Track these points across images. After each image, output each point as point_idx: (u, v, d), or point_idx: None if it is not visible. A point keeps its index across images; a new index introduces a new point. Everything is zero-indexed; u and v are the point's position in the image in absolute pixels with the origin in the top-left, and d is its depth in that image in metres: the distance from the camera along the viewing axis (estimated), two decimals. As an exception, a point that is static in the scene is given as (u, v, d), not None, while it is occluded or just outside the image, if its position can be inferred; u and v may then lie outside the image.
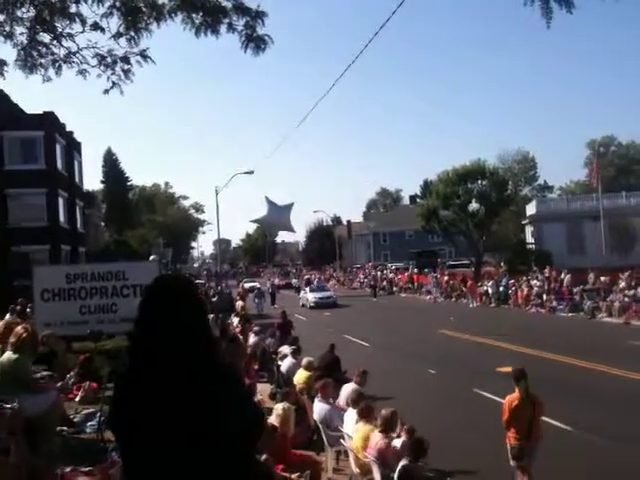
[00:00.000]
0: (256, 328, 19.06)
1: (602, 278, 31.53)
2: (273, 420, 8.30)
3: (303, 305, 42.99)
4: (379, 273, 60.68)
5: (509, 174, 73.24)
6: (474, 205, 49.52)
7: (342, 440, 8.73)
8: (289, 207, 50.56)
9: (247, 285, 60.46)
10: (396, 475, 6.84)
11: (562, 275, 34.46)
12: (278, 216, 48.71)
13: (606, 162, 73.93)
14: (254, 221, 53.42)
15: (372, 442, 7.67)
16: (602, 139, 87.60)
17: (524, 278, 36.60)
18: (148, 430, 2.27)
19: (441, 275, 47.41)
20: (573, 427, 10.84)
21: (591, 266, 35.10)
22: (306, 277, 65.30)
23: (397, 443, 7.68)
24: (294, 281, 70.15)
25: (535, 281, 34.90)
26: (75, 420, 9.48)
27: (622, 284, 29.02)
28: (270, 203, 48.64)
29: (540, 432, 7.97)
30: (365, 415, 8.36)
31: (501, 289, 36.90)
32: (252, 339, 18.06)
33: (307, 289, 46.13)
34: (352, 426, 8.64)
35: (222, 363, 2.49)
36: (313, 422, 9.80)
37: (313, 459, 8.55)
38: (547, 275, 35.46)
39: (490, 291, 37.03)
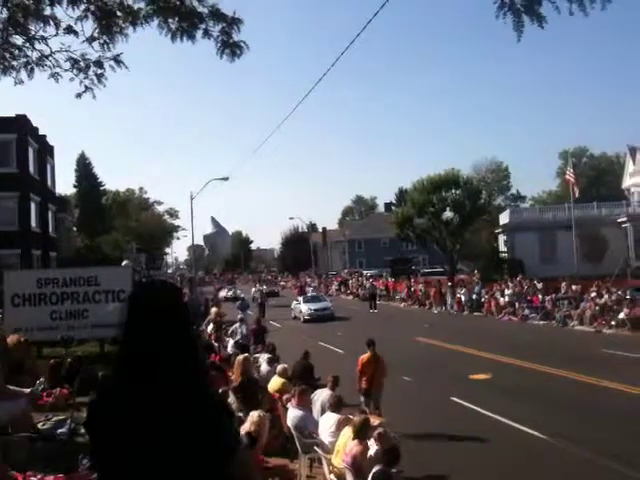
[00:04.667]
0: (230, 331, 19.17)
1: (573, 287, 31.93)
2: (248, 427, 8.25)
3: (295, 317, 38.02)
4: (354, 280, 60.76)
5: (483, 184, 73.99)
6: (448, 214, 49.92)
7: (316, 447, 8.71)
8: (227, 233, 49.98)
9: (227, 293, 57.35)
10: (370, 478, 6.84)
11: (531, 283, 34.91)
12: (221, 240, 48.25)
13: (578, 173, 74.95)
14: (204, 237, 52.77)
15: (347, 449, 7.67)
16: (574, 150, 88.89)
17: (497, 286, 36.95)
18: (130, 435, 2.27)
19: (415, 282, 47.62)
20: (542, 433, 10.93)
21: (563, 275, 35.53)
22: (298, 285, 62.78)
23: (371, 450, 7.69)
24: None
25: (507, 290, 35.24)
26: (45, 427, 9.33)
27: (593, 293, 29.43)
28: (215, 224, 48.16)
29: (382, 382, 11.58)
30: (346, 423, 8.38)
31: (474, 297, 37.21)
32: (230, 346, 18.09)
33: (300, 299, 40.27)
34: (329, 430, 8.66)
35: (206, 381, 2.51)
36: (287, 429, 9.77)
37: (284, 467, 8.52)
38: (519, 282, 35.87)
39: (463, 299, 37.33)
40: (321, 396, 10.42)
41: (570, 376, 16.01)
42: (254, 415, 8.55)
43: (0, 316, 15.23)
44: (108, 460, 2.36)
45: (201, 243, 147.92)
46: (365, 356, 11.70)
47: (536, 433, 11.03)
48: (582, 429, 11.30)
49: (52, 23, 8.82)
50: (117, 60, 9.19)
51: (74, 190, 79.19)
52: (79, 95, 9.54)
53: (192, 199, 44.98)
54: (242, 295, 41.32)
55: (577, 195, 41.94)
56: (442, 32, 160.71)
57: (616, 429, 11.14)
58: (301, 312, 37.21)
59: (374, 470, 6.89)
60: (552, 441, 10.59)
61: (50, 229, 44.23)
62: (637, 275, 38.05)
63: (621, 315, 25.88)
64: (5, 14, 8.84)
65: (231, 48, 8.82)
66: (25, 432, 8.11)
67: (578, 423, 11.75)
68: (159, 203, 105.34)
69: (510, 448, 10.47)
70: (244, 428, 8.08)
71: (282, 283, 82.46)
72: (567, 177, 42.65)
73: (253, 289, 48.85)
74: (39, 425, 9.32)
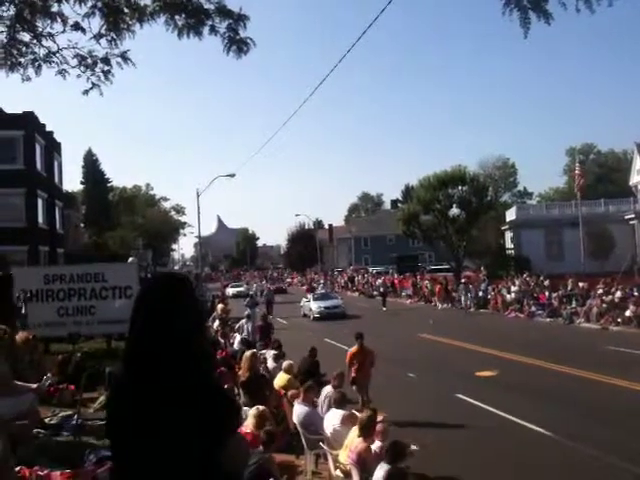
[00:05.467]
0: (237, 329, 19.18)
1: (580, 284, 31.86)
2: (249, 423, 8.27)
3: (305, 315, 37.40)
4: (360, 277, 60.76)
5: (489, 180, 73.88)
6: (455, 210, 49.89)
7: (321, 443, 8.73)
8: (235, 232, 49.83)
9: (234, 290, 56.84)
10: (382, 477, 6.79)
11: (537, 280, 34.86)
12: (224, 238, 48.13)
13: (585, 170, 74.66)
14: (201, 238, 52.64)
15: (352, 445, 7.68)
16: (582, 147, 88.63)
17: (503, 284, 36.87)
18: (139, 430, 2.32)
19: (421, 279, 47.55)
20: (548, 430, 10.91)
21: (569, 272, 35.45)
22: (304, 282, 61.47)
23: (375, 446, 7.70)
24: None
25: (514, 287, 35.19)
26: (52, 423, 9.39)
27: (600, 290, 29.34)
28: (220, 223, 48.01)
29: (369, 372, 12.46)
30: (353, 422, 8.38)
31: (480, 294, 37.14)
32: (237, 342, 18.14)
33: (310, 296, 39.53)
34: (333, 426, 8.69)
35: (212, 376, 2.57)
36: (293, 425, 9.79)
37: (290, 463, 8.53)
38: (526, 280, 35.82)
39: (470, 296, 37.20)
40: (325, 393, 10.46)
41: (576, 373, 15.98)
42: (253, 410, 8.56)
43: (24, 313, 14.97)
44: (119, 453, 2.44)
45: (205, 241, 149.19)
46: (353, 348, 12.64)
47: (541, 430, 11.01)
48: (587, 426, 11.28)
49: (59, 20, 8.85)
50: (124, 57, 9.23)
51: (81, 187, 79.46)
52: (86, 92, 9.58)
53: (198, 196, 45.16)
54: (251, 293, 39.74)
55: (576, 190, 41.89)
56: (448, 29, 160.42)
57: (622, 426, 11.12)
58: (311, 310, 36.46)
59: (386, 469, 6.84)
60: (557, 438, 10.58)
61: (57, 225, 44.37)
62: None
63: (627, 312, 25.81)
64: (13, 11, 8.88)
65: (238, 45, 8.83)
66: (32, 428, 8.16)
67: (583, 420, 11.73)
68: (165, 199, 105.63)
69: (515, 445, 10.47)
70: (246, 425, 8.09)
71: (288, 280, 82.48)
72: (576, 172, 42.64)
73: (255, 285, 47.29)
74: (46, 420, 9.39)
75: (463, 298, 37.25)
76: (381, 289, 44.01)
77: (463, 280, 40.04)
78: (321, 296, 39.27)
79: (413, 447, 7.96)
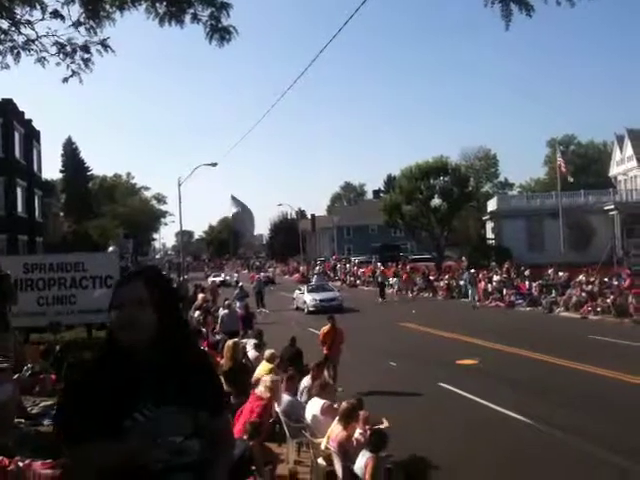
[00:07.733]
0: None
1: (560, 274, 32.21)
2: (262, 391, 8.36)
3: (298, 308, 35.08)
4: (342, 266, 60.79)
5: (471, 171, 74.32)
6: (436, 201, 50.17)
7: (304, 431, 8.77)
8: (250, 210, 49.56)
9: (215, 280, 52.70)
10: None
11: (518, 270, 35.17)
12: (248, 216, 47.57)
13: (565, 161, 75.16)
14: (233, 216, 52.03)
15: (332, 434, 7.71)
16: (562, 138, 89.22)
17: (484, 273, 37.08)
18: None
19: (403, 269, 47.71)
20: (528, 418, 11.03)
21: (549, 262, 35.77)
22: (287, 270, 59.68)
23: (356, 434, 7.74)
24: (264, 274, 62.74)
25: (495, 276, 35.44)
26: (33, 412, 9.35)
27: (581, 277, 29.71)
28: (237, 202, 47.13)
29: (340, 348, 14.16)
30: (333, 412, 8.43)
31: (461, 283, 37.32)
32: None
33: (304, 288, 37.16)
34: (314, 414, 8.74)
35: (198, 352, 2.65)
36: (275, 414, 9.81)
37: (270, 451, 8.56)
38: (506, 269, 36.12)
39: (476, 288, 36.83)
40: (304, 384, 10.50)
41: (557, 362, 16.13)
42: (267, 380, 8.65)
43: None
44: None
45: (189, 229, 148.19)
46: (325, 328, 14.43)
47: (521, 418, 11.13)
48: (569, 415, 11.40)
49: (38, 7, 8.76)
50: (104, 44, 9.15)
51: (60, 175, 78.72)
52: (65, 80, 9.49)
53: (180, 185, 44.72)
54: (241, 283, 35.50)
55: (571, 180, 42.33)
56: (429, 18, 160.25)
57: (604, 416, 11.23)
58: (305, 303, 34.21)
59: None
60: (538, 426, 10.70)
61: (36, 214, 43.98)
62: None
63: (608, 301, 26.12)
64: (-10, -3, 8.76)
65: (220, 33, 8.79)
66: (12, 417, 8.12)
67: (564, 409, 11.84)
68: (146, 189, 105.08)
69: (497, 433, 10.56)
70: (249, 409, 8.12)
71: (270, 269, 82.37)
72: (559, 163, 42.98)
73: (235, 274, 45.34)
74: (27, 410, 9.33)
75: (470, 291, 34.57)
76: (379, 279, 41.46)
77: (472, 270, 36.99)
78: (316, 288, 36.54)
79: (385, 424, 8.03)
